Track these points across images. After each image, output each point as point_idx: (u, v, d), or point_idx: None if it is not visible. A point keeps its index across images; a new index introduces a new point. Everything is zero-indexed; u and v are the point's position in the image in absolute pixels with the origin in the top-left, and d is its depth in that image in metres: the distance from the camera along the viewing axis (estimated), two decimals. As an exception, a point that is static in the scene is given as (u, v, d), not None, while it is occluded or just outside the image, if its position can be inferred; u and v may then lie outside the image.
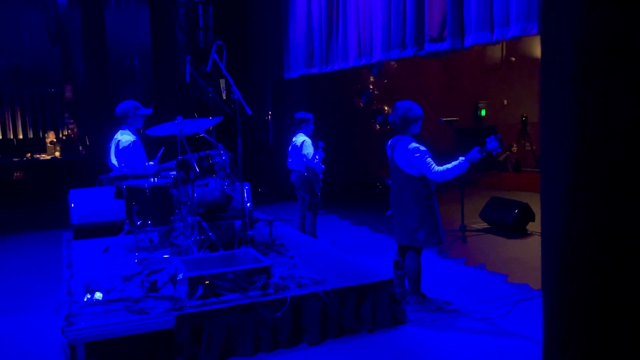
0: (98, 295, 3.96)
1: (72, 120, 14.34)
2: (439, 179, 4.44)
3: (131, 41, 14.26)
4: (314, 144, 6.54)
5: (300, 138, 6.54)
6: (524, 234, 7.17)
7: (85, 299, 3.92)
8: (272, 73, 10.31)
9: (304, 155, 6.43)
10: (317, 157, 6.50)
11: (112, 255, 5.19)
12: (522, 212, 7.26)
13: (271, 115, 11.29)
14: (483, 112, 13.17)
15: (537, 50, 11.29)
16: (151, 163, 5.50)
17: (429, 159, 4.43)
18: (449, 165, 4.40)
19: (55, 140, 13.61)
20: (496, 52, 12.66)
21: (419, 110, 4.58)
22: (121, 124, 5.55)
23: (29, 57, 14.16)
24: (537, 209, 7.04)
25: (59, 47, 14.10)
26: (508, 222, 7.27)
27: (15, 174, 12.37)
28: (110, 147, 5.53)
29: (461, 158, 4.42)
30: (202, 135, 5.51)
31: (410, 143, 4.49)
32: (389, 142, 4.71)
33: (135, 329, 3.62)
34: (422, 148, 4.46)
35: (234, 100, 5.06)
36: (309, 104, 11.28)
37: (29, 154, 13.18)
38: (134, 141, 5.38)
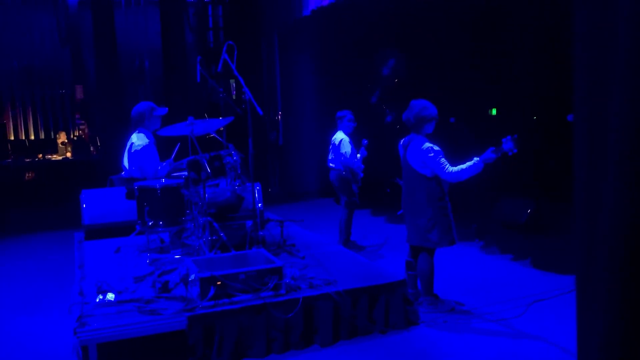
0: (110, 296, 3.95)
1: (83, 121, 14.41)
2: (452, 179, 4.40)
3: (141, 42, 14.29)
4: (353, 142, 6.56)
5: (338, 136, 6.54)
6: (537, 233, 7.10)
7: (97, 300, 3.91)
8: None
9: (342, 154, 6.41)
10: (358, 155, 6.51)
11: (123, 256, 5.19)
12: (535, 211, 7.19)
13: (281, 115, 11.28)
14: (494, 112, 13.08)
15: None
16: (164, 164, 5.48)
17: (443, 159, 4.39)
18: (463, 166, 4.35)
19: (66, 140, 13.69)
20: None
21: (434, 110, 4.55)
22: (137, 126, 5.46)
23: (40, 58, 14.23)
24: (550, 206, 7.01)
25: (70, 49, 14.17)
26: (520, 221, 7.21)
27: (27, 175, 12.45)
28: (125, 149, 5.51)
29: (476, 158, 4.37)
30: (213, 135, 5.50)
31: (424, 143, 4.46)
32: (402, 141, 4.69)
33: (147, 330, 3.61)
34: (436, 148, 4.42)
35: (245, 100, 5.04)
36: (320, 102, 11.29)
37: (40, 155, 13.27)
38: (146, 145, 5.33)
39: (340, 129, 6.61)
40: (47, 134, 14.64)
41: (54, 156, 13.24)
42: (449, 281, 5.39)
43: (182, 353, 3.68)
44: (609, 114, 1.68)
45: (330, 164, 6.61)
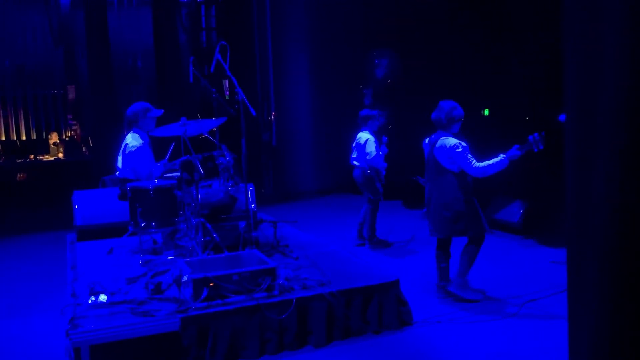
0: (102, 297, 3.93)
1: (75, 122, 14.35)
2: (479, 174, 4.59)
3: (134, 42, 14.23)
4: (378, 140, 6.66)
5: (364, 135, 6.64)
6: (530, 233, 7.12)
7: (89, 301, 3.90)
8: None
9: (368, 153, 6.52)
10: (380, 152, 6.60)
11: (116, 257, 5.17)
12: (528, 211, 7.21)
13: (275, 115, 11.27)
14: (486, 112, 13.12)
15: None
16: (158, 164, 5.46)
17: (470, 155, 4.61)
18: (489, 162, 4.55)
19: (58, 141, 13.61)
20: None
21: (461, 110, 4.80)
22: (132, 126, 5.42)
23: (32, 58, 14.15)
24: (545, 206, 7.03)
25: (62, 49, 14.10)
26: (513, 222, 7.23)
27: (18, 175, 12.37)
28: (120, 150, 5.47)
29: (502, 155, 4.55)
30: (206, 136, 5.49)
31: (452, 139, 4.68)
32: (428, 139, 4.88)
33: (140, 332, 3.60)
34: (463, 144, 4.64)
35: (238, 100, 5.04)
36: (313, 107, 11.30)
37: (32, 155, 13.18)
38: (139, 146, 5.28)
39: (366, 129, 6.72)
40: (39, 135, 14.56)
41: (46, 157, 13.16)
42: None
43: (175, 354, 3.67)
44: (599, 113, 1.69)
45: (354, 162, 6.73)
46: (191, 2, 13.75)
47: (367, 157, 6.51)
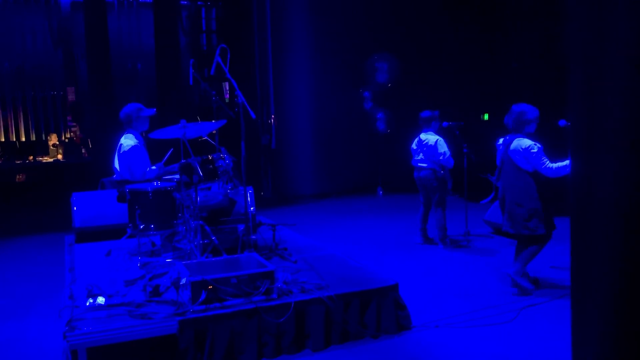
0: (100, 299, 3.92)
1: (74, 123, 14.34)
2: (551, 174, 4.84)
3: (134, 44, 14.23)
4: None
5: (431, 137, 6.72)
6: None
7: (87, 304, 3.89)
8: None
9: (441, 154, 6.60)
10: (448, 153, 6.70)
11: (114, 260, 5.16)
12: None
13: (274, 118, 11.27)
14: (486, 117, 13.13)
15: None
16: (154, 167, 5.48)
17: (544, 156, 4.87)
18: (562, 163, 4.79)
19: (57, 143, 13.60)
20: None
21: (533, 113, 5.02)
22: (126, 127, 5.55)
23: (32, 60, 14.13)
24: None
25: (62, 50, 14.09)
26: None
27: (17, 177, 12.35)
28: (115, 151, 5.54)
29: None
30: (206, 138, 5.48)
31: (527, 141, 4.96)
32: (503, 140, 5.19)
33: (138, 334, 3.59)
34: (538, 145, 4.92)
35: (238, 103, 5.03)
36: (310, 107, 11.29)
37: (31, 157, 13.16)
38: (133, 146, 5.38)
39: (430, 130, 6.80)
40: (38, 136, 14.54)
41: (45, 158, 13.14)
42: (440, 285, 5.40)
43: (173, 357, 3.66)
44: (605, 118, 1.67)
45: (420, 164, 6.81)
46: (191, 5, 13.75)
47: (441, 158, 6.60)
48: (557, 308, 4.72)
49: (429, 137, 6.73)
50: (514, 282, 5.11)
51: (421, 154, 6.80)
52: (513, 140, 5.04)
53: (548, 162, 4.86)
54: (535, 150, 4.89)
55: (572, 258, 1.84)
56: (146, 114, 5.56)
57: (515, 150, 4.99)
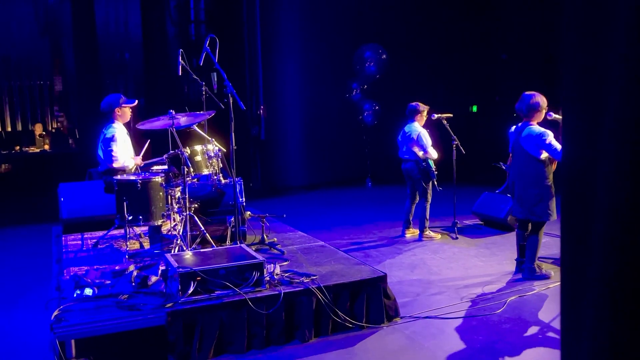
0: (88, 291, 3.91)
1: (61, 113, 14.20)
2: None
3: (122, 34, 14.09)
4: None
5: (415, 128, 6.74)
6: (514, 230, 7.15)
7: (74, 295, 3.87)
8: None
9: (422, 146, 6.63)
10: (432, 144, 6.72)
11: (102, 251, 5.14)
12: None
13: (264, 109, 11.23)
14: (475, 108, 13.18)
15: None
16: (132, 158, 5.57)
17: (555, 142, 4.96)
18: None
19: (43, 132, 13.46)
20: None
21: (544, 101, 5.09)
22: (108, 118, 5.63)
23: (18, 48, 13.96)
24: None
25: (49, 39, 13.93)
26: (499, 218, 7.27)
27: (3, 167, 12.23)
28: (98, 142, 5.58)
29: None
30: (194, 129, 5.45)
31: (538, 128, 5.06)
32: (515, 128, 5.28)
33: (126, 326, 3.58)
34: (549, 132, 5.01)
35: (227, 94, 5.00)
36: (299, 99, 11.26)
37: (17, 147, 13.03)
38: (114, 134, 5.48)
39: (415, 121, 6.79)
40: (24, 126, 14.40)
41: (32, 148, 13.01)
42: (428, 277, 5.42)
43: (161, 349, 3.65)
44: (600, 114, 1.64)
45: (405, 156, 6.83)
46: (180, -6, 13.62)
47: (424, 150, 6.62)
48: (542, 299, 4.76)
49: (413, 129, 6.73)
50: (522, 269, 5.33)
51: (404, 146, 6.83)
52: (525, 127, 5.11)
53: (560, 147, 4.91)
54: (546, 137, 4.97)
55: (562, 258, 1.83)
56: (127, 103, 5.65)
57: (527, 138, 5.07)
